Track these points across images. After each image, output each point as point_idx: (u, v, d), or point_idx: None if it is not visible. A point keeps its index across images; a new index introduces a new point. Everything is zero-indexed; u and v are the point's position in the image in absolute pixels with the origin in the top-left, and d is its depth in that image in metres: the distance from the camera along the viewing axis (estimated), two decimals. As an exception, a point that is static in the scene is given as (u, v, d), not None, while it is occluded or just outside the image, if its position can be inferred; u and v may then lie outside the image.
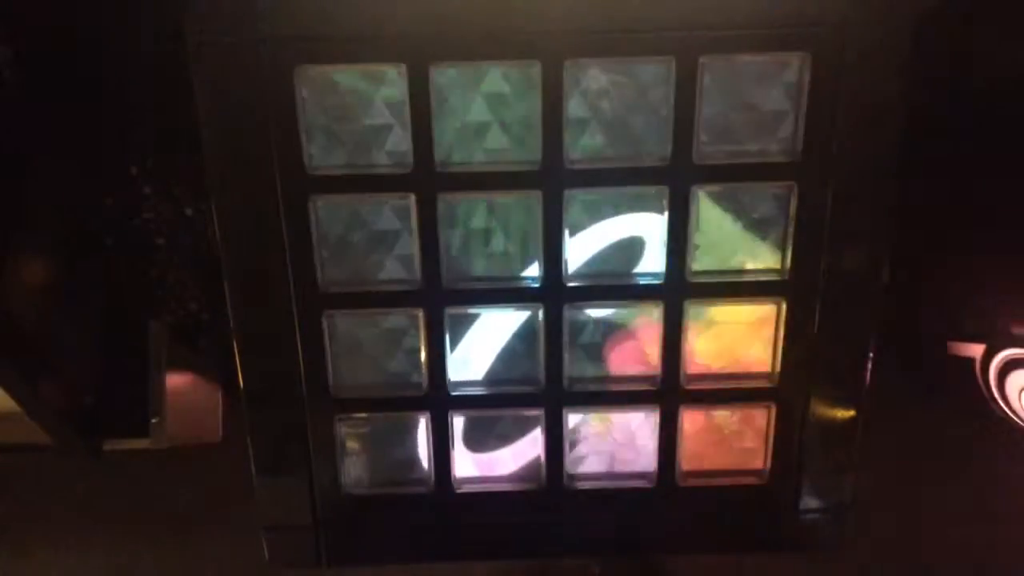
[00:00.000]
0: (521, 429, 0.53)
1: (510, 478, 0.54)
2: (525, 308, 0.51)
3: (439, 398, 0.52)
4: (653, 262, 0.49)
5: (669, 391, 0.52)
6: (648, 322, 0.51)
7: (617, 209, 0.49)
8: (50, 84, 0.57)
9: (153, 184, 0.59)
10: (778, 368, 0.51)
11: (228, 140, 0.46)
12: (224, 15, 0.44)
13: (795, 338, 0.50)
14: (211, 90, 0.45)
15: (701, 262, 0.50)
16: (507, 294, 0.50)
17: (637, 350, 0.51)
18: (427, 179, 0.47)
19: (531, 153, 0.47)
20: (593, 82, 0.46)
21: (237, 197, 0.47)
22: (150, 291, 0.62)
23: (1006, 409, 0.61)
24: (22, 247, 0.57)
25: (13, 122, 0.56)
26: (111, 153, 0.59)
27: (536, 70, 0.45)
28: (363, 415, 0.52)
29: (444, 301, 0.50)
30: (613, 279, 0.50)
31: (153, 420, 0.64)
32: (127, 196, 0.60)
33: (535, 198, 0.48)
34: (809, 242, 0.49)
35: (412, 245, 0.49)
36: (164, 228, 0.60)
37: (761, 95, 0.47)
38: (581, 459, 0.54)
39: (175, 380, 0.64)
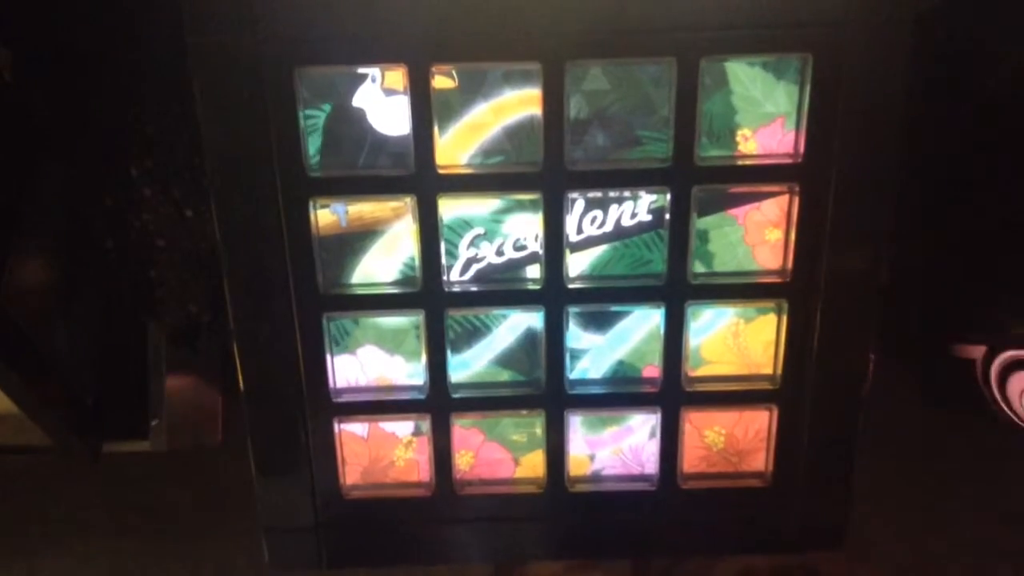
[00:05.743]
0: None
1: (511, 480, 0.54)
2: (526, 310, 0.50)
3: (440, 400, 0.52)
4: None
5: (671, 393, 0.52)
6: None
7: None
8: (50, 85, 0.57)
9: (153, 186, 0.59)
10: (779, 370, 0.51)
11: (228, 141, 0.46)
12: (224, 16, 0.44)
13: (796, 340, 0.50)
14: (211, 91, 0.45)
15: (702, 264, 0.50)
16: (508, 296, 0.50)
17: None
18: (428, 181, 0.47)
19: (531, 155, 0.47)
20: (594, 83, 0.46)
21: (237, 198, 0.47)
22: (150, 293, 0.62)
23: (1007, 410, 0.60)
24: (22, 249, 0.57)
25: (13, 123, 0.56)
26: (111, 154, 0.59)
27: (537, 71, 0.45)
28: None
29: (444, 303, 0.50)
30: (614, 281, 0.50)
31: (153, 422, 0.64)
32: (127, 197, 0.59)
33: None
34: (810, 243, 0.48)
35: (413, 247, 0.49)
36: (164, 230, 0.60)
37: (762, 96, 0.47)
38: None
39: (175, 382, 0.64)
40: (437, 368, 0.51)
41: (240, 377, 0.51)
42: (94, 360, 0.63)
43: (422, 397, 0.52)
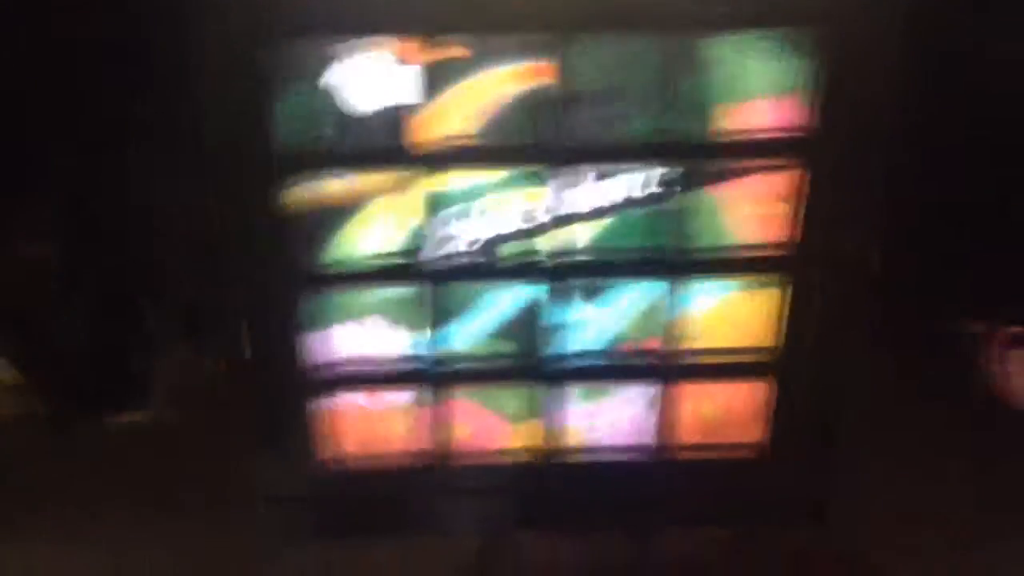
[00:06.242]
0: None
1: (508, 451, 0.55)
2: (526, 283, 0.51)
3: (438, 372, 0.52)
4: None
5: (668, 366, 0.52)
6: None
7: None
8: (50, 68, 0.57)
9: (152, 166, 0.59)
10: (776, 343, 0.52)
11: (218, 119, 0.46)
12: (222, 8, 0.43)
13: (793, 314, 0.51)
14: (210, 76, 0.45)
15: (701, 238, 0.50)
16: (508, 269, 0.50)
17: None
18: (425, 154, 0.47)
19: (530, 129, 0.47)
20: (592, 58, 0.46)
21: (228, 175, 0.47)
22: (150, 270, 0.62)
23: (1007, 389, 0.61)
24: (25, 226, 0.58)
25: (12, 108, 0.56)
26: (110, 135, 0.59)
27: (536, 45, 0.45)
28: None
29: (444, 276, 0.50)
30: (614, 255, 0.50)
31: (152, 395, 0.64)
32: (127, 178, 0.60)
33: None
34: (809, 218, 0.49)
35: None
36: (161, 207, 0.60)
37: (764, 72, 0.46)
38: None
39: (173, 356, 0.64)
40: (436, 340, 0.51)
41: (238, 352, 0.51)
42: (94, 336, 0.64)
43: (420, 368, 0.52)
